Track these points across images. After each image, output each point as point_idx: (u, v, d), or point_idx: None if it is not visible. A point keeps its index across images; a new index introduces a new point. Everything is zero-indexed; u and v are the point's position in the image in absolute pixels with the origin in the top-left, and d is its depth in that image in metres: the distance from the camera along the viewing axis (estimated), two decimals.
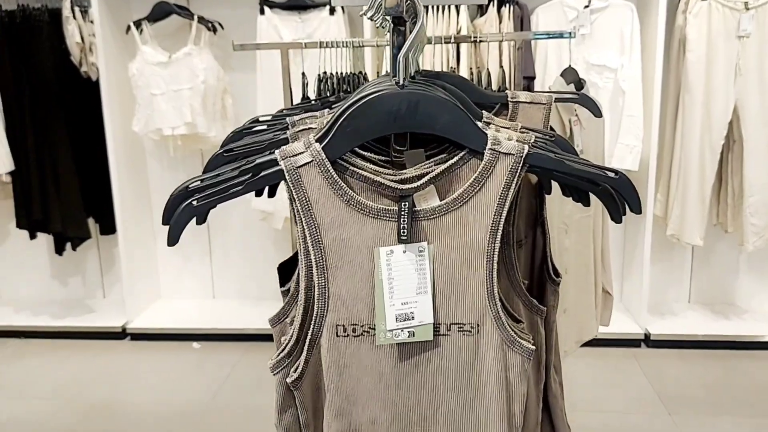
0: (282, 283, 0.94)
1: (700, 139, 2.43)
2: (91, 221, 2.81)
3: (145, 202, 2.86)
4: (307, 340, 0.68)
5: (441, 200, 0.69)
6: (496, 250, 0.68)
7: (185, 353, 2.72)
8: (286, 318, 0.81)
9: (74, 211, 2.67)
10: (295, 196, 0.67)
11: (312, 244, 0.67)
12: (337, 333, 0.68)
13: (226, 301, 3.03)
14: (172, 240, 0.64)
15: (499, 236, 0.68)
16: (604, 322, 1.89)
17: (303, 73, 1.64)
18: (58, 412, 2.24)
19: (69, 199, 2.64)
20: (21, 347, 2.76)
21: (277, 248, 2.92)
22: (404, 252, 0.68)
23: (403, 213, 0.67)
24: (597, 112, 1.07)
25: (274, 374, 0.69)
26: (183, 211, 0.64)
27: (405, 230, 0.66)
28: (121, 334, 2.81)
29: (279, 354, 0.69)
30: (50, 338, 2.82)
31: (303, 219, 0.67)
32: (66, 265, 3.04)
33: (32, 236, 2.72)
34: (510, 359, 0.70)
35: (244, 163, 0.66)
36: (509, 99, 1.00)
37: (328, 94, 1.59)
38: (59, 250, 2.76)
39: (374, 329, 0.68)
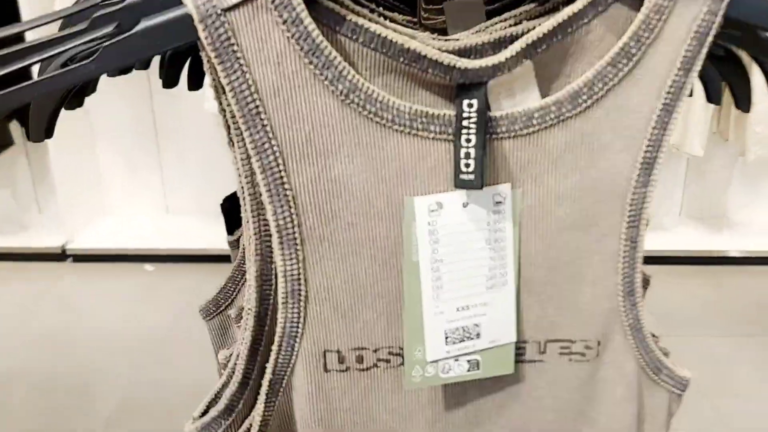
0: (230, 230, 0.59)
1: None
2: (15, 126, 2.35)
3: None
4: (265, 381, 0.33)
5: (544, 95, 0.32)
6: (651, 197, 0.33)
7: (137, 276, 2.38)
8: (228, 306, 0.46)
9: None
10: (225, 83, 0.29)
11: (268, 191, 0.31)
12: (325, 366, 0.33)
13: (181, 216, 2.65)
14: None
15: (657, 170, 0.33)
16: None
17: None
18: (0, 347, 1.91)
19: None
20: None
21: None
22: (465, 205, 0.32)
23: (466, 121, 0.30)
24: None
25: None
26: None
27: (471, 160, 0.30)
28: (61, 256, 2.44)
29: (207, 405, 0.34)
30: None
31: (245, 135, 0.30)
32: None
33: None
34: (651, 401, 0.37)
35: (94, 5, 0.28)
36: None
37: None
38: None
39: (400, 357, 0.34)
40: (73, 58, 0.29)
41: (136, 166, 2.58)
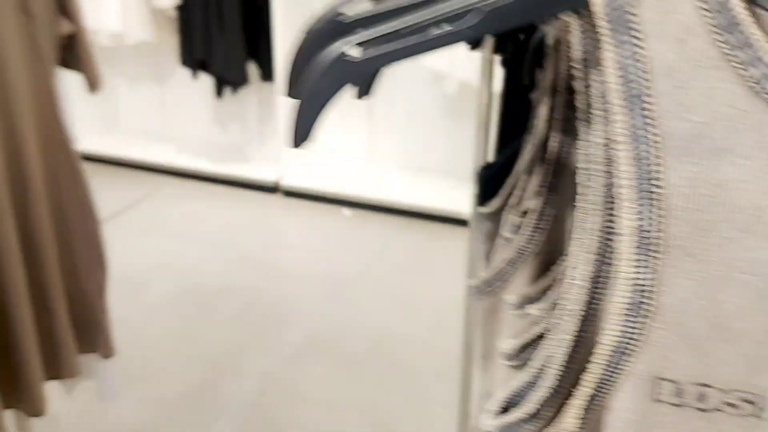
0: (482, 200, 0.56)
1: None
2: (254, 67, 2.61)
3: None
4: (582, 396, 0.30)
5: None
6: None
7: (335, 219, 2.54)
8: (501, 289, 0.43)
9: (235, 52, 2.46)
10: (611, 56, 0.25)
11: (632, 187, 0.27)
12: (659, 394, 0.29)
13: (382, 167, 2.75)
14: (302, 134, 0.27)
15: None
16: None
17: None
18: (208, 258, 2.19)
19: (231, 39, 2.43)
20: (181, 189, 2.75)
21: (447, 116, 2.52)
22: None
23: None
24: None
25: None
26: (332, 68, 0.26)
27: None
28: (273, 188, 2.69)
29: (507, 403, 0.32)
30: (207, 182, 2.79)
31: (618, 118, 0.26)
32: (228, 109, 2.92)
33: (194, 75, 2.59)
34: None
35: None
36: None
37: None
38: (219, 92, 2.61)
39: (753, 406, 0.28)
40: (436, 22, 0.27)
41: (345, 114, 2.70)
